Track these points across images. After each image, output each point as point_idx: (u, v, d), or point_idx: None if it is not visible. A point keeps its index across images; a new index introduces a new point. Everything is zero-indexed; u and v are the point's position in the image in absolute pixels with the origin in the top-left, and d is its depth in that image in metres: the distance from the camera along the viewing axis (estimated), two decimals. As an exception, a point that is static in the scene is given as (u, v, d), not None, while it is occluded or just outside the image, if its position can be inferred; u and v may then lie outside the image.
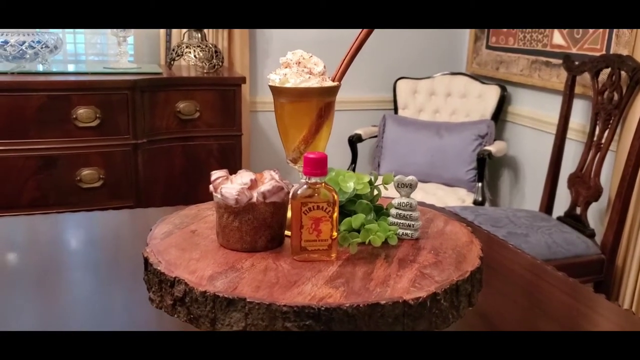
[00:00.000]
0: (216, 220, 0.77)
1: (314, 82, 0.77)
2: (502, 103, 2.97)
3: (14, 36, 2.25)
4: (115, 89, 2.25)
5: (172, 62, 2.58)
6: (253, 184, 0.75)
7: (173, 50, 2.58)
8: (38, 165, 2.21)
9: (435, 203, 2.71)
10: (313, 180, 0.72)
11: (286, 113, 0.80)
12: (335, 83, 0.80)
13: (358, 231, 0.76)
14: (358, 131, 3.01)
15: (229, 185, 0.74)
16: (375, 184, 0.84)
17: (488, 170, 2.95)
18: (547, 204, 2.57)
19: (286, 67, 0.79)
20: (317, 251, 0.73)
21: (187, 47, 2.54)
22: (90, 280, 1.04)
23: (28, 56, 2.30)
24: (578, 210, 2.38)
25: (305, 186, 0.72)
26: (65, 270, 1.08)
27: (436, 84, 3.12)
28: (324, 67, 0.80)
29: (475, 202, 2.74)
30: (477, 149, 2.84)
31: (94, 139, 2.26)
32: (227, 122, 2.49)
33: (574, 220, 2.39)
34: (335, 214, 0.73)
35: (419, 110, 3.14)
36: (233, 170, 2.64)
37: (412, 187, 0.80)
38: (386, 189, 0.84)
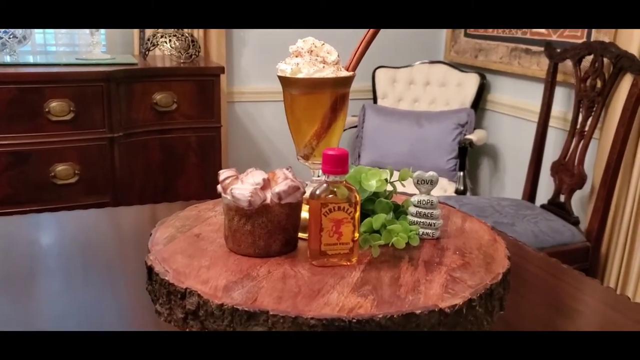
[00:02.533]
0: (225, 224, 0.72)
1: (328, 72, 0.72)
2: (482, 91, 2.95)
3: (-21, 27, 2.14)
4: (89, 80, 2.15)
5: (147, 53, 2.49)
6: (266, 184, 0.69)
7: (148, 40, 2.48)
8: (9, 162, 2.11)
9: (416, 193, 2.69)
10: (333, 178, 0.66)
11: (297, 106, 0.75)
12: (351, 73, 0.75)
13: (379, 232, 0.71)
14: (338, 121, 2.96)
15: (240, 186, 0.68)
16: (391, 180, 0.79)
17: (469, 160, 2.92)
18: (530, 192, 2.56)
19: (297, 56, 0.73)
20: (337, 255, 0.68)
21: (162, 36, 2.45)
22: (78, 284, 0.97)
23: (-5, 47, 2.20)
24: (562, 198, 2.37)
25: (324, 185, 0.67)
26: (45, 274, 1.01)
27: (415, 72, 3.08)
28: (338, 55, 0.74)
29: (457, 192, 2.71)
30: (457, 138, 2.82)
31: (69, 133, 2.16)
32: (206, 114, 2.41)
33: (558, 208, 2.38)
34: (357, 215, 0.68)
35: (398, 100, 3.10)
36: (213, 164, 2.54)
37: (432, 183, 0.75)
38: (403, 185, 0.79)
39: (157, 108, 2.32)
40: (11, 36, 2.20)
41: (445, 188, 2.73)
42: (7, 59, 2.27)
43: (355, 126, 3.02)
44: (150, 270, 0.68)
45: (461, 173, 2.77)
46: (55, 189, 2.18)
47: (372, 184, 0.72)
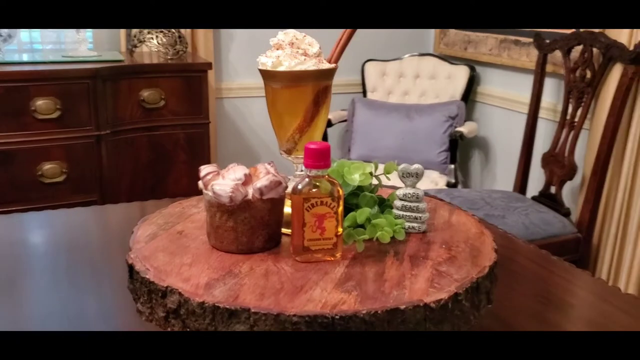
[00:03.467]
0: (207, 220, 0.70)
1: (310, 65, 0.70)
2: (472, 83, 2.94)
3: (-37, 24, 2.11)
4: (75, 78, 2.13)
5: (133, 49, 2.47)
6: (247, 180, 0.68)
7: (134, 36, 2.46)
8: (-6, 161, 2.09)
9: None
10: (315, 173, 0.65)
11: (279, 99, 0.73)
12: (333, 65, 0.73)
13: (363, 227, 0.70)
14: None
15: (221, 182, 0.67)
16: (376, 174, 0.78)
17: (459, 152, 2.92)
18: (521, 184, 2.55)
19: (278, 49, 0.72)
20: (321, 251, 0.67)
21: (149, 32, 2.42)
22: (62, 285, 0.95)
23: (-20, 46, 2.17)
24: (553, 190, 2.37)
25: (306, 180, 0.65)
26: (28, 274, 0.99)
27: (405, 65, 3.07)
28: (320, 48, 0.73)
29: (448, 185, 2.71)
30: (448, 131, 2.81)
31: (55, 131, 2.14)
32: (194, 110, 2.39)
33: (549, 199, 2.38)
34: (340, 210, 0.66)
35: (388, 93, 3.09)
36: (202, 161, 2.53)
37: (418, 176, 0.74)
38: (388, 179, 0.78)
39: (145, 105, 2.30)
40: (-4, 34, 2.17)
41: (436, 181, 2.72)
42: (-7, 57, 2.24)
43: (345, 120, 3.01)
44: (131, 268, 0.67)
45: (452, 166, 2.76)
46: (43, 188, 2.16)
47: (355, 178, 0.71)
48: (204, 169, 0.70)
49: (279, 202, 0.69)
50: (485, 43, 2.90)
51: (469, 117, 2.99)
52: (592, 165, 2.19)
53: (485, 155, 3.03)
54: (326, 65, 0.72)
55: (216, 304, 0.57)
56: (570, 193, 2.47)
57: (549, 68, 2.45)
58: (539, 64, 2.45)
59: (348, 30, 0.74)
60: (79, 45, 2.36)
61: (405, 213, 0.75)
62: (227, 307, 0.57)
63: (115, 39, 2.67)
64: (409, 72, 3.07)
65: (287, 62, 0.70)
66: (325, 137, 2.92)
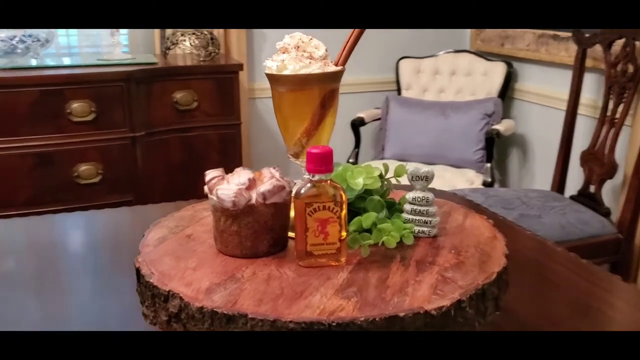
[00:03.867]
0: (213, 225, 0.70)
1: (315, 68, 0.70)
2: (509, 80, 2.88)
3: (4, 31, 2.17)
4: (109, 81, 2.17)
5: (167, 51, 2.50)
6: (251, 184, 0.67)
7: (167, 38, 2.49)
8: (33, 163, 2.14)
9: (443, 185, 2.63)
10: (317, 177, 0.64)
11: (285, 103, 0.73)
12: (339, 67, 0.73)
13: (369, 231, 0.69)
14: (360, 114, 2.93)
15: (225, 186, 0.67)
16: (386, 177, 0.76)
17: (496, 150, 2.86)
18: (559, 183, 2.49)
19: (284, 52, 0.71)
20: (324, 255, 0.66)
21: (182, 35, 2.45)
22: (90, 285, 0.97)
23: (19, 51, 2.22)
24: (592, 189, 2.30)
25: (308, 184, 0.65)
26: (64, 274, 1.01)
27: (440, 62, 3.03)
28: (326, 50, 0.72)
29: (485, 184, 2.66)
30: (484, 128, 2.76)
31: (90, 133, 2.19)
32: (226, 111, 2.41)
33: (588, 199, 2.31)
34: (344, 214, 0.65)
35: (423, 90, 3.05)
36: (234, 161, 2.54)
37: (428, 179, 0.73)
38: (398, 181, 0.76)
39: (178, 107, 2.33)
40: (34, 40, 2.23)
41: (472, 180, 2.68)
42: (33, 62, 2.30)
43: (379, 119, 2.98)
44: (138, 272, 0.67)
45: (488, 164, 2.71)
46: (79, 189, 2.21)
47: (359, 182, 0.70)
48: (209, 174, 0.70)
49: (283, 207, 0.69)
50: (522, 38, 2.84)
51: (505, 114, 2.93)
52: (634, 163, 2.11)
53: (523, 154, 2.97)
54: (332, 68, 0.72)
55: (214, 309, 0.57)
56: (611, 192, 2.40)
57: (588, 63, 2.38)
58: (578, 58, 2.38)
59: (356, 31, 0.73)
60: (114, 48, 2.41)
61: (415, 217, 0.73)
62: (225, 312, 0.57)
63: (149, 41, 2.71)
64: (445, 69, 3.03)
65: (292, 66, 0.69)
66: (358, 136, 2.91)
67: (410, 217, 0.74)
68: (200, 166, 2.40)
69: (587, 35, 2.35)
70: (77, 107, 2.14)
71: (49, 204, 2.16)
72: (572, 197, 2.37)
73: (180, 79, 2.32)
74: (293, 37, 0.72)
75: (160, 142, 2.34)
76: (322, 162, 0.63)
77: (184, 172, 2.43)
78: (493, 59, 2.94)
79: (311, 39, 0.72)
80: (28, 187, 2.15)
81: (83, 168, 2.20)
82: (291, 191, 0.68)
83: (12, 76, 2.10)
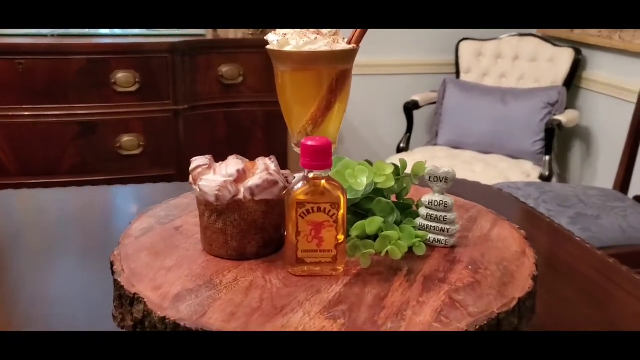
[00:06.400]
0: (199, 220, 0.63)
1: (322, 45, 0.60)
2: (576, 68, 2.69)
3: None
4: (154, 51, 2.13)
5: (216, 23, 2.43)
6: (240, 176, 0.59)
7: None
8: (78, 131, 2.13)
9: (497, 176, 2.49)
10: (313, 174, 0.56)
11: (288, 84, 0.64)
12: (351, 46, 0.63)
13: (375, 237, 0.60)
14: (415, 97, 2.80)
15: (210, 177, 0.59)
16: (404, 175, 0.67)
17: (557, 142, 2.69)
18: (623, 182, 2.30)
19: (289, 26, 0.62)
20: (318, 264, 0.58)
21: (232, 6, 2.38)
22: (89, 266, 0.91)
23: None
24: (659, 190, 2.12)
25: (302, 182, 0.56)
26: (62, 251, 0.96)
27: (503, 46, 2.86)
28: (337, 26, 0.62)
29: (542, 177, 2.50)
30: (545, 119, 2.59)
31: (134, 104, 2.16)
32: (273, 88, 2.31)
33: (654, 200, 2.13)
34: (341, 217, 0.56)
35: (483, 75, 2.89)
36: (279, 139, 2.43)
37: (447, 181, 0.62)
38: (414, 182, 0.67)
39: (223, 81, 2.27)
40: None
41: (528, 172, 2.53)
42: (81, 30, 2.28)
43: (434, 102, 2.85)
44: (111, 266, 0.60)
45: (547, 157, 2.55)
46: (121, 160, 2.19)
47: (362, 182, 0.60)
48: (195, 161, 0.62)
49: (276, 204, 0.60)
50: (594, 23, 2.64)
51: (570, 104, 2.75)
52: None
53: (586, 148, 2.78)
54: (342, 46, 0.62)
55: (177, 321, 0.50)
56: (681, 195, 2.20)
57: (665, 53, 2.18)
58: (653, 48, 2.19)
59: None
60: (162, 18, 2.36)
61: (430, 223, 0.63)
62: (188, 326, 0.49)
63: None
64: (507, 53, 2.86)
65: (295, 42, 0.60)
66: (411, 120, 2.79)
67: (425, 222, 0.64)
68: (244, 142, 2.37)
69: (666, 22, 2.14)
70: (122, 77, 2.11)
71: (91, 173, 2.15)
72: (635, 198, 2.19)
73: (227, 52, 2.26)
74: (301, 9, 0.63)
75: (203, 116, 2.29)
76: (319, 156, 0.54)
77: (227, 148, 2.37)
78: (560, 45, 2.75)
79: (322, 11, 0.63)
80: (72, 156, 2.14)
81: (125, 139, 2.17)
82: (285, 187, 0.59)
83: (60, 43, 2.09)
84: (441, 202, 0.63)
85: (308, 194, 0.55)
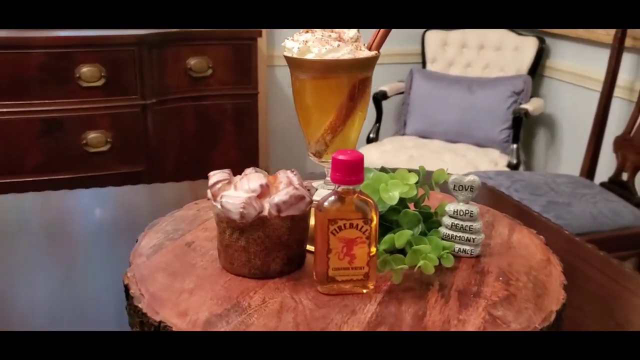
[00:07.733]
0: (217, 237, 0.60)
1: (344, 52, 0.58)
2: (540, 56, 2.73)
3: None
4: (120, 44, 2.05)
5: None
6: (264, 191, 0.56)
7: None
8: (41, 128, 2.04)
9: (467, 165, 2.51)
10: (344, 188, 0.53)
11: (307, 93, 0.61)
12: (373, 53, 0.61)
13: (402, 251, 0.58)
14: (383, 87, 2.79)
15: (233, 194, 0.56)
16: (423, 183, 0.65)
17: (523, 130, 2.72)
18: (589, 169, 2.35)
19: (307, 32, 0.59)
20: (349, 282, 0.55)
21: (198, -3, 2.32)
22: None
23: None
24: (624, 177, 2.17)
25: (333, 197, 0.54)
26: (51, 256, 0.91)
27: (468, 35, 2.87)
28: (358, 31, 0.60)
29: (509, 165, 2.53)
30: (511, 107, 2.62)
31: (100, 99, 2.08)
32: (242, 80, 2.29)
33: (620, 187, 2.18)
34: (374, 233, 0.54)
35: (449, 64, 2.90)
36: (250, 133, 2.38)
37: (473, 190, 0.61)
38: (434, 189, 0.65)
39: (192, 74, 2.21)
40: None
41: (496, 161, 2.55)
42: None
43: (402, 92, 2.85)
44: (126, 290, 0.57)
45: (515, 145, 2.58)
46: (88, 157, 2.11)
47: (394, 196, 0.59)
48: (214, 176, 0.59)
49: (301, 219, 0.57)
50: (557, 13, 2.67)
51: (535, 92, 2.79)
52: (673, 152, 1.98)
53: (551, 135, 2.82)
54: (365, 53, 0.60)
55: (213, 352, 0.47)
56: (645, 181, 2.26)
57: (628, 42, 2.22)
58: (617, 37, 2.22)
59: (395, 10, 0.61)
60: (126, 10, 2.28)
61: (455, 233, 0.62)
62: (226, 357, 0.46)
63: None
64: (473, 43, 2.87)
65: (316, 49, 0.57)
66: (380, 110, 2.78)
67: (450, 232, 0.62)
68: (214, 136, 2.32)
69: (630, 12, 2.18)
70: (87, 72, 2.03)
71: (57, 172, 2.07)
72: (602, 184, 2.24)
73: (195, 44, 2.20)
74: (319, 14, 0.60)
75: (172, 110, 2.23)
76: (351, 171, 0.52)
77: (197, 143, 2.33)
78: (525, 34, 2.78)
79: (341, 17, 0.60)
80: (36, 154, 2.06)
81: (92, 136, 2.10)
82: (311, 201, 0.57)
83: (20, 36, 2.00)
84: (467, 211, 0.61)
85: (340, 210, 0.53)
